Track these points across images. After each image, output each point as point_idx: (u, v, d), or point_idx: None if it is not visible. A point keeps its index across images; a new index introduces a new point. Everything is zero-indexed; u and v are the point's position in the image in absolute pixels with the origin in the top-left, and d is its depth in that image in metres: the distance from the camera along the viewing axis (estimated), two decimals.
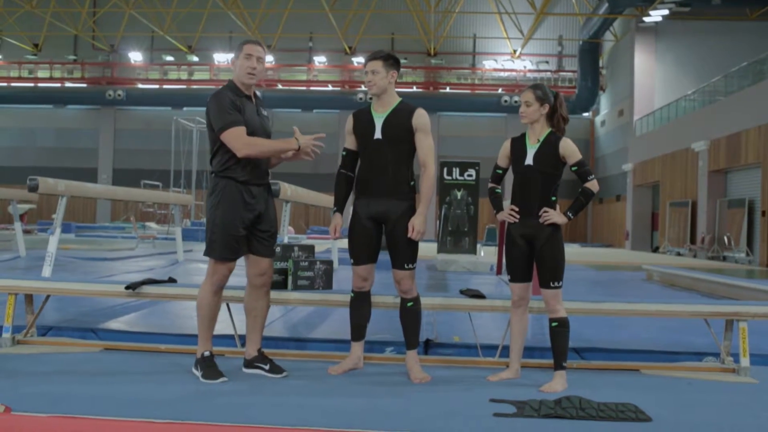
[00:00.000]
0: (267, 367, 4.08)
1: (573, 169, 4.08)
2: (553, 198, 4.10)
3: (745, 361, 4.40)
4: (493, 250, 17.72)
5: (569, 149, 4.05)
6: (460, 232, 14.85)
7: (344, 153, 4.31)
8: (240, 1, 34.08)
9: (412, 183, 4.17)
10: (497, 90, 37.53)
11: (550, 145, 4.07)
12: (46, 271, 7.41)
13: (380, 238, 4.24)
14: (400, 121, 4.12)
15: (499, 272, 11.49)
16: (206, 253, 3.98)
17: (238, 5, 33.93)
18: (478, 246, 15.28)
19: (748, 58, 22.86)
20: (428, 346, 4.90)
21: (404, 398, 3.66)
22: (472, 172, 14.88)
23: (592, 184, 4.05)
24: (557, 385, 3.95)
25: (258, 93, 4.21)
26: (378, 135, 4.12)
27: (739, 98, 21.58)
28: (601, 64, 35.80)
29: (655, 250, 27.95)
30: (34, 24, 38.23)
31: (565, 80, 37.78)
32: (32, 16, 36.67)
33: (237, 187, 3.94)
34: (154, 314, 6.06)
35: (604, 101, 36.00)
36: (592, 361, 4.67)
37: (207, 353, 3.97)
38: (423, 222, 4.06)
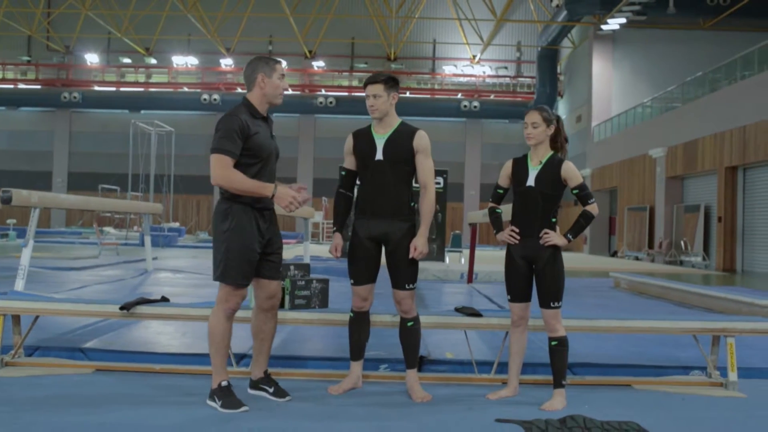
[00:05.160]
0: (271, 390, 4.05)
1: (574, 192, 4.15)
2: (554, 219, 4.16)
3: (733, 376, 4.52)
4: (457, 256, 17.86)
5: (571, 172, 4.12)
6: (428, 240, 14.92)
7: (343, 173, 4.31)
8: (199, 3, 33.76)
9: (412, 204, 4.20)
10: (457, 95, 37.84)
11: (552, 167, 4.14)
12: (19, 284, 7.24)
13: (380, 258, 4.25)
14: (401, 142, 4.14)
15: (470, 281, 11.57)
16: (220, 279, 3.87)
17: (197, 8, 33.62)
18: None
19: (702, 67, 23.44)
20: (422, 363, 4.92)
21: (413, 421, 3.68)
22: (440, 179, 14.97)
23: (593, 208, 4.13)
24: (557, 403, 4.01)
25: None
26: (379, 156, 4.14)
27: (696, 106, 22.11)
28: (559, 71, 36.34)
29: (614, 254, 28.44)
30: None
31: (523, 86, 38.23)
32: None
33: (252, 212, 3.88)
34: (142, 331, 5.98)
35: (562, 107, 36.53)
36: (585, 377, 4.75)
37: (225, 383, 3.83)
38: (425, 243, 4.10)
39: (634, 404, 4.12)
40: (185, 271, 12.68)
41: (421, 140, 4.16)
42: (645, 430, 3.54)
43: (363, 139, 4.22)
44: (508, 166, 4.31)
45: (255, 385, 4.09)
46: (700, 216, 21.40)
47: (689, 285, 10.18)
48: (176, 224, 30.79)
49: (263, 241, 3.94)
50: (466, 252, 16.53)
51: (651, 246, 24.49)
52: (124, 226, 29.13)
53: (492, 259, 18.83)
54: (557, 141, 4.21)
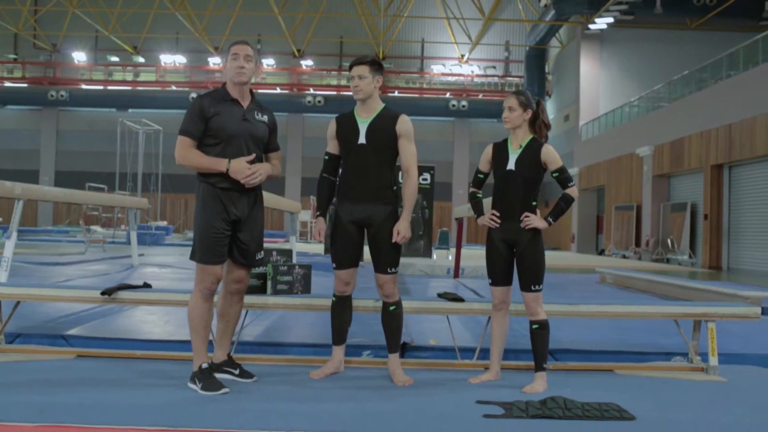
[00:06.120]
0: (237, 372, 4.06)
1: (554, 175, 4.17)
2: (534, 203, 4.18)
3: (714, 360, 4.55)
4: (444, 253, 17.87)
5: (551, 156, 4.14)
6: (414, 236, 14.96)
7: (327, 158, 4.31)
8: (187, 1, 33.65)
9: (394, 188, 4.21)
10: (445, 94, 37.86)
11: (532, 151, 4.15)
12: (2, 276, 7.20)
13: (362, 242, 4.26)
14: (384, 126, 4.15)
15: (456, 275, 11.59)
16: (191, 258, 3.96)
17: (185, 6, 33.51)
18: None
19: (689, 66, 23.56)
20: (405, 350, 4.94)
21: (393, 402, 3.69)
22: (427, 176, 14.99)
23: (572, 191, 4.14)
24: (539, 386, 4.02)
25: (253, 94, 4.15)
26: (362, 140, 4.14)
27: (682, 105, 22.21)
28: (547, 70, 36.42)
29: (601, 252, 28.54)
30: None
31: (511, 85, 38.28)
32: None
33: (215, 191, 3.91)
34: (124, 320, 5.97)
35: (550, 106, 36.62)
36: (567, 362, 4.77)
37: (205, 365, 3.86)
38: (407, 227, 4.10)
39: (615, 387, 4.14)
40: (172, 266, 12.64)
41: (404, 125, 4.17)
42: (625, 411, 3.56)
43: (346, 124, 4.23)
44: (488, 150, 4.32)
45: (218, 368, 4.05)
46: (687, 214, 21.50)
47: (673, 278, 10.23)
48: (164, 223, 30.67)
49: (228, 218, 3.94)
50: (454, 251, 16.58)
51: (638, 244, 24.59)
52: (111, 225, 28.99)
53: (480, 257, 18.86)
54: (535, 125, 4.22)
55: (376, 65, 4.19)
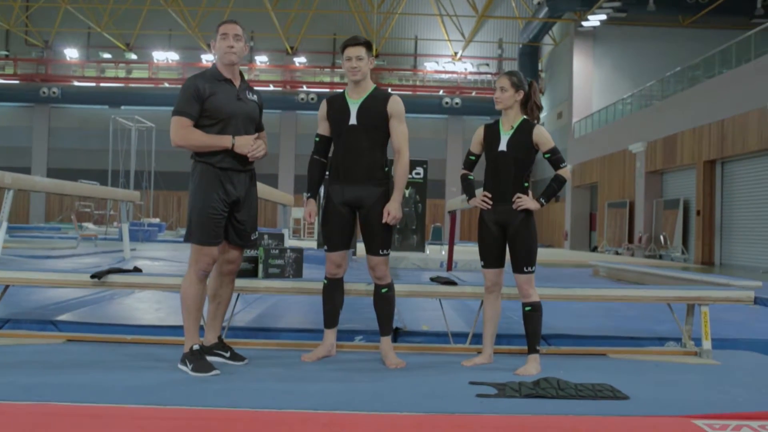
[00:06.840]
0: (227, 354, 4.03)
1: (546, 156, 4.15)
2: (526, 184, 4.16)
3: (707, 344, 4.54)
4: (438, 249, 17.86)
5: (543, 136, 4.12)
6: (408, 230, 14.96)
7: (317, 139, 4.28)
8: None
9: (386, 169, 4.18)
10: (438, 92, 37.80)
11: (523, 132, 4.13)
12: None
13: (354, 224, 4.23)
14: (375, 107, 4.12)
15: (449, 269, 11.56)
16: (186, 239, 3.91)
17: (178, 3, 33.39)
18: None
19: (681, 63, 23.60)
20: (397, 335, 4.92)
21: (385, 382, 3.66)
22: (420, 170, 15.00)
23: (564, 171, 4.13)
24: (532, 368, 4.00)
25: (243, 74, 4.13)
26: (353, 121, 4.12)
27: (675, 101, 22.24)
28: (540, 68, 36.43)
29: (594, 249, 28.56)
30: None
31: None
32: None
33: (215, 171, 3.88)
34: (114, 307, 5.93)
35: (543, 103, 36.61)
36: (560, 347, 4.75)
37: (196, 347, 3.82)
38: (398, 207, 4.07)
39: (609, 370, 4.13)
40: (164, 259, 12.59)
41: (395, 105, 4.14)
42: (618, 391, 3.55)
43: (337, 105, 4.21)
44: (479, 131, 4.30)
45: (208, 351, 4.01)
46: (680, 210, 21.52)
47: (666, 270, 10.24)
48: (156, 220, 30.57)
49: (228, 200, 3.91)
50: (447, 246, 16.54)
51: (631, 241, 24.60)
52: (104, 222, 28.87)
53: (474, 253, 18.83)
54: (527, 106, 4.20)
55: (368, 45, 4.17)
